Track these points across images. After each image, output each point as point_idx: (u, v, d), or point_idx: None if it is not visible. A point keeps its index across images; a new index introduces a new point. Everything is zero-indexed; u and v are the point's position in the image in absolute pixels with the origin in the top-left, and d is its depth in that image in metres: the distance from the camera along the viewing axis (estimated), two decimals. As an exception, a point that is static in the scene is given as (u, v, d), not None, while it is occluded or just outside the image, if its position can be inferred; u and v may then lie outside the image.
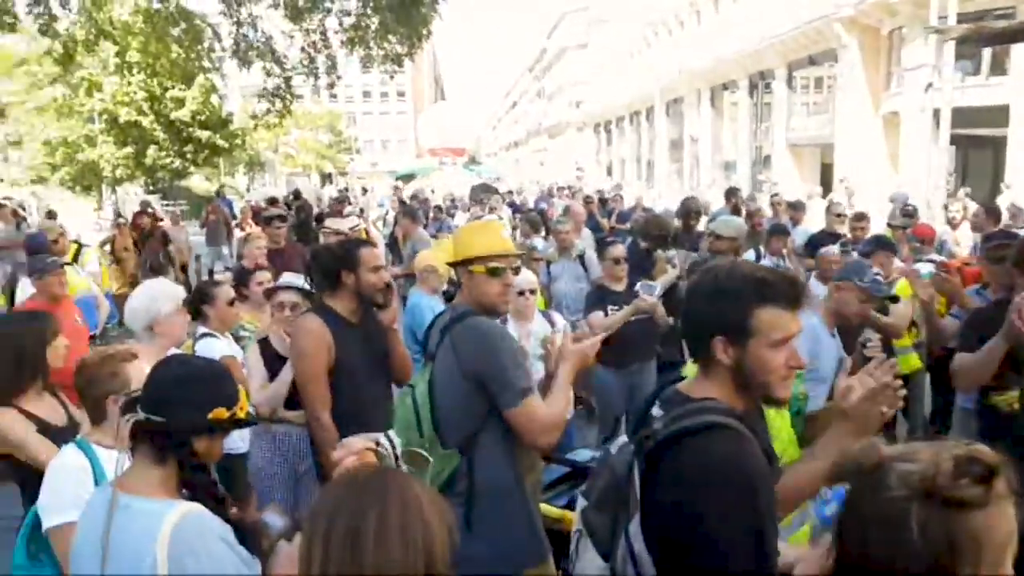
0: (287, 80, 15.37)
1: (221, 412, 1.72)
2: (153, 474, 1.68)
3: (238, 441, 3.59)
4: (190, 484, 1.72)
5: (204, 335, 3.83)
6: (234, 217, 15.79)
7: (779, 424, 2.92)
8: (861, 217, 7.49)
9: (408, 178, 31.88)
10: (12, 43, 20.97)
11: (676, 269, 5.79)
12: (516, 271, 2.67)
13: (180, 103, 29.03)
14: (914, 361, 5.11)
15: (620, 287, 4.99)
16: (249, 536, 1.74)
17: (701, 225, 7.80)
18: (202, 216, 16.47)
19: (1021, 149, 18.45)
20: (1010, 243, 3.90)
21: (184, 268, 12.29)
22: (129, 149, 29.45)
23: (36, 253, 6.13)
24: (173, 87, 28.09)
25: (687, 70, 33.25)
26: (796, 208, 10.08)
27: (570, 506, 3.11)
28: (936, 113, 15.73)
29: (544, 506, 2.88)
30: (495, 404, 2.38)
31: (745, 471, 1.52)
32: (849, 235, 7.47)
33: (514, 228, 10.34)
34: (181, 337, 3.36)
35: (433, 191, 21.99)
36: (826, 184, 23.35)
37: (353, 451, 1.65)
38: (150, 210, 13.91)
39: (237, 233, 12.69)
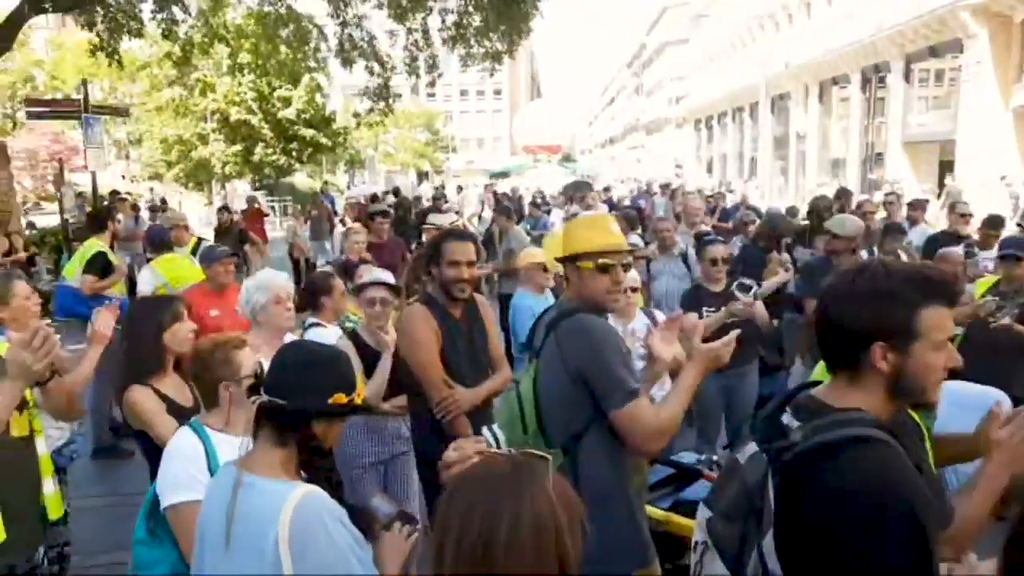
0: (386, 80, 15.73)
1: (340, 397, 1.73)
2: (274, 455, 1.71)
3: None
4: (308, 466, 1.75)
5: (313, 324, 3.92)
6: (336, 213, 16.30)
7: None
8: (995, 224, 6.95)
9: (503, 176, 32.15)
10: (138, 47, 22.37)
11: (788, 273, 5.56)
12: (627, 268, 2.56)
13: (287, 102, 30.18)
14: None
15: (718, 288, 4.80)
16: (361, 520, 1.76)
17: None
18: (306, 212, 17.08)
19: None
20: None
21: (297, 263, 12.74)
22: (238, 147, 30.86)
23: (155, 245, 6.47)
24: (280, 87, 29.25)
25: (794, 64, 32.05)
26: (914, 207, 9.50)
27: (674, 508, 3.03)
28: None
29: (649, 508, 2.79)
30: (600, 405, 2.30)
31: (901, 488, 1.41)
32: (976, 238, 6.98)
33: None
34: (285, 326, 3.43)
35: (527, 189, 22.06)
36: (944, 182, 22.05)
37: (467, 456, 1.62)
38: (257, 204, 14.55)
39: (339, 228, 13.07)
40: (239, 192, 32.27)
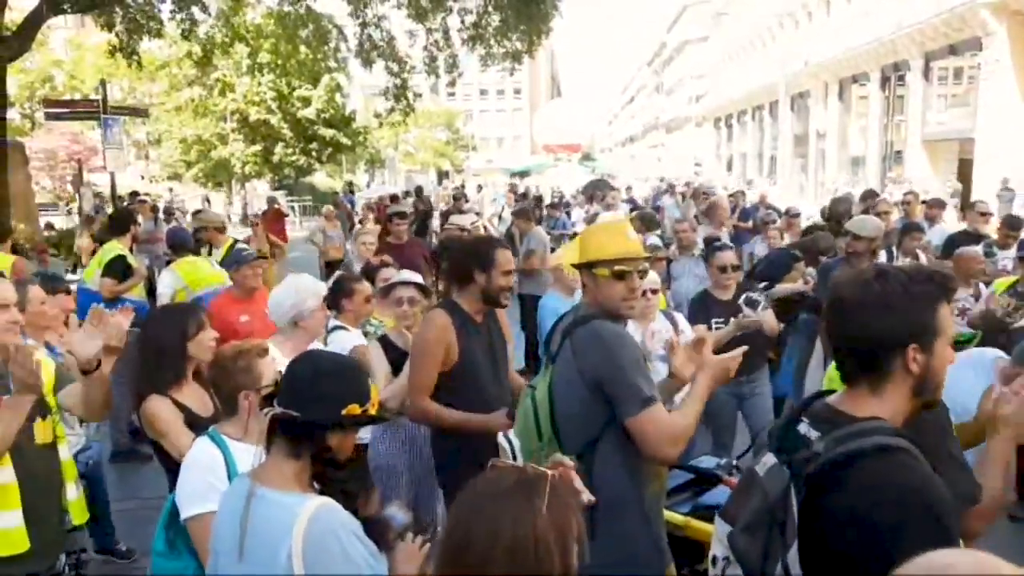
0: (405, 81, 15.78)
1: (354, 408, 1.73)
2: (288, 467, 1.72)
3: (361, 432, 3.68)
4: (322, 478, 1.75)
5: (336, 328, 3.93)
6: (357, 213, 16.37)
7: None
8: (1015, 225, 6.89)
9: (523, 175, 32.17)
10: (157, 47, 22.59)
11: (807, 286, 5.54)
12: (643, 274, 2.55)
13: (306, 102, 30.34)
14: None
15: (727, 296, 4.66)
16: (375, 531, 1.77)
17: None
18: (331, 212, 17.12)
19: None
20: None
21: (331, 265, 12.47)
22: (258, 147, 31.05)
23: (176, 247, 6.50)
24: (300, 87, 29.42)
25: (813, 63, 31.78)
26: (932, 206, 9.40)
27: (694, 513, 3.03)
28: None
29: (667, 512, 2.79)
30: (615, 412, 2.30)
31: (925, 496, 1.42)
32: (995, 237, 6.92)
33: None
34: (321, 331, 3.48)
35: (549, 188, 22.03)
36: (964, 180, 21.82)
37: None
38: (276, 205, 14.62)
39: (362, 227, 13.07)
40: (259, 192, 32.45)
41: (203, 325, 2.87)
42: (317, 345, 3.52)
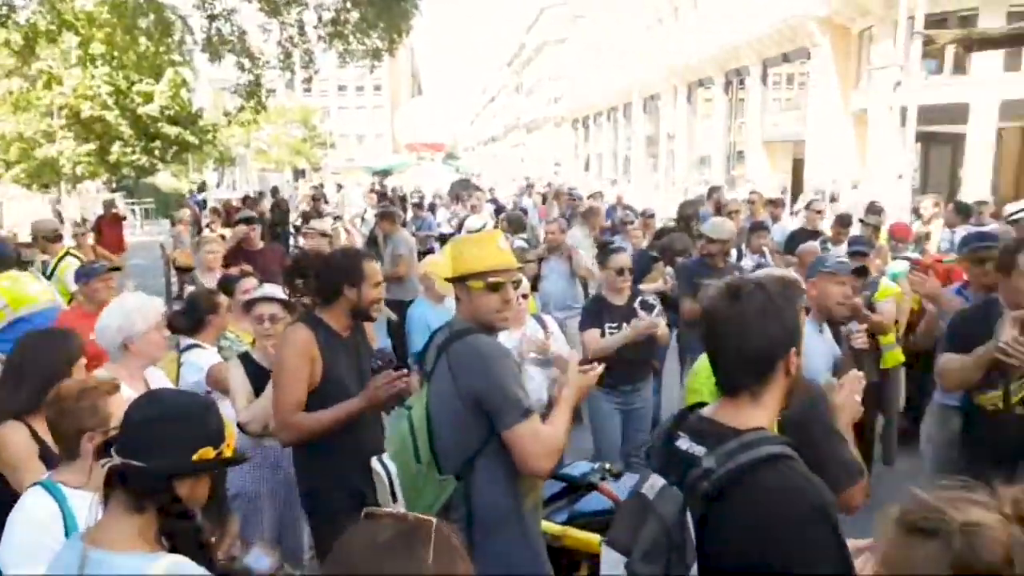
0: (257, 77, 15.03)
1: (207, 452, 1.56)
2: (129, 524, 1.52)
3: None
4: (172, 532, 1.56)
5: (190, 346, 3.64)
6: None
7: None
8: (846, 223, 7.48)
9: (386, 173, 31.65)
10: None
11: (667, 285, 5.73)
12: (517, 285, 2.53)
13: (148, 98, 28.25)
14: (898, 356, 5.20)
15: (621, 301, 4.53)
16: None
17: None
18: (175, 216, 16.05)
19: (978, 146, 19.15)
20: (991, 244, 3.96)
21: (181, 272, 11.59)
22: (91, 145, 28.59)
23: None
24: (140, 81, 27.36)
25: (664, 67, 33.39)
26: (776, 205, 10.09)
27: (570, 521, 3.03)
28: (903, 111, 15.98)
29: (544, 523, 2.77)
30: (494, 426, 2.26)
31: (817, 499, 1.48)
32: (830, 234, 7.49)
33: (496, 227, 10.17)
34: (158, 356, 3.14)
35: (413, 188, 21.79)
36: (797, 179, 23.72)
37: None
38: (115, 209, 13.49)
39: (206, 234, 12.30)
40: (93, 194, 29.95)
41: (84, 351, 2.60)
42: (161, 369, 3.23)
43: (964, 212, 8.03)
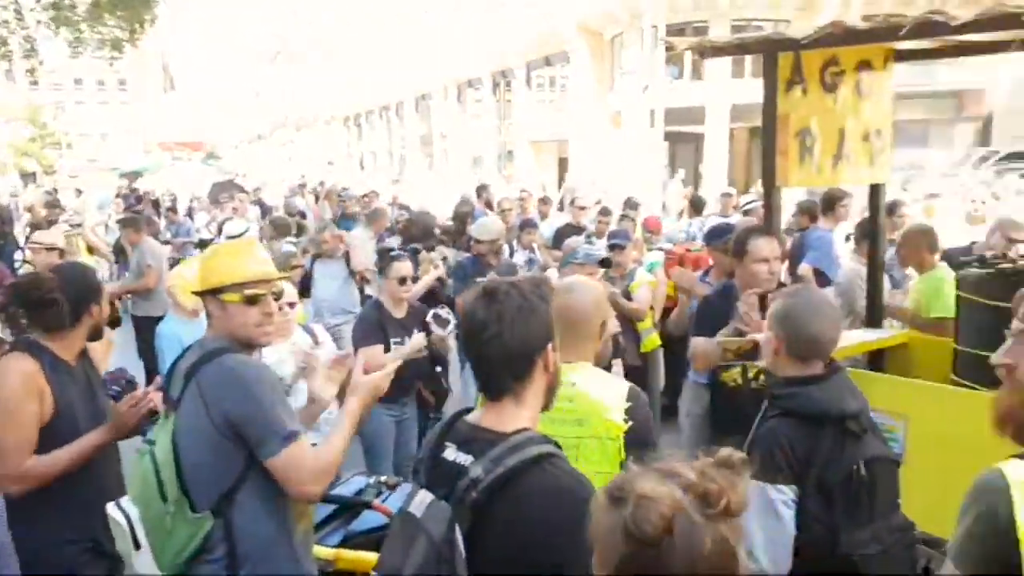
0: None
1: None
2: None
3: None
4: None
5: None
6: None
7: None
8: (605, 212, 8.04)
9: (136, 175, 28.88)
10: None
11: (439, 271, 5.71)
12: (278, 296, 2.32)
13: None
14: (655, 341, 5.58)
15: (402, 313, 4.32)
16: None
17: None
18: None
19: (714, 144, 22.12)
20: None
21: None
22: None
23: None
24: None
25: (435, 67, 33.76)
26: (544, 202, 10.61)
27: (345, 542, 2.87)
28: (652, 112, 17.57)
29: (316, 547, 2.60)
30: (255, 454, 2.06)
31: (584, 493, 1.46)
32: (593, 228, 7.99)
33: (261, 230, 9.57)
34: None
35: (167, 190, 20.04)
36: (563, 177, 25.25)
37: None
38: None
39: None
40: None
41: None
42: None
43: (697, 206, 9.07)
